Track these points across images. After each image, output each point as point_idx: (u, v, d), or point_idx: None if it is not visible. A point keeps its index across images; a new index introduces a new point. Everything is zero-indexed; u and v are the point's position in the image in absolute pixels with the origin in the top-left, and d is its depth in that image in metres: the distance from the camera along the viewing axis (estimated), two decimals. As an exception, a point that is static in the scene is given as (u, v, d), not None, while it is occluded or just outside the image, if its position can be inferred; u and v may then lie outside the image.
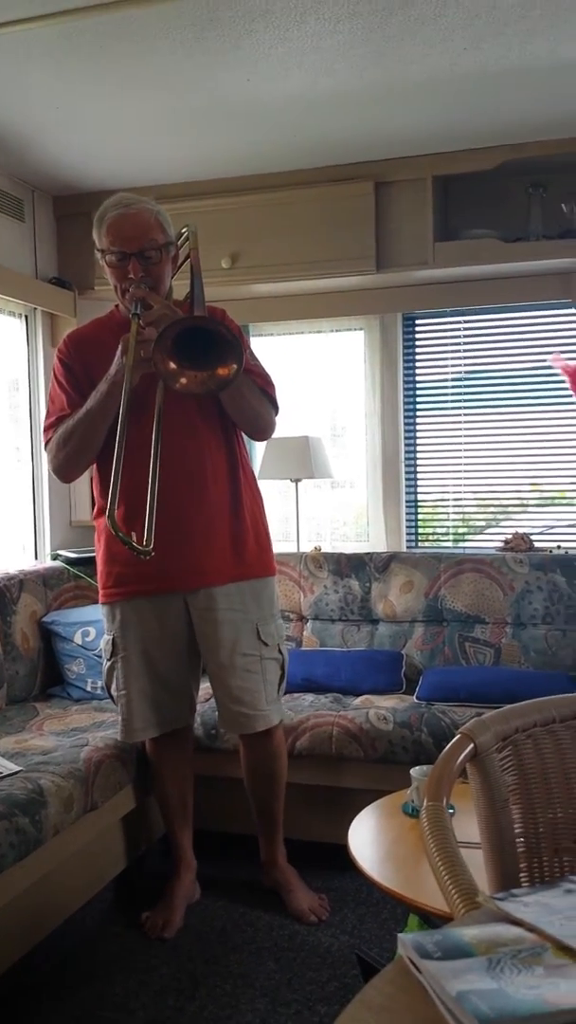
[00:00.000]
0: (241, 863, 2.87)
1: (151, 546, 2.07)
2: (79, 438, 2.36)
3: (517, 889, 1.03)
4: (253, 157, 3.37)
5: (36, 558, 3.72)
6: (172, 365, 2.08)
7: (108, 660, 2.53)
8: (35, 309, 3.66)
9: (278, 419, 2.52)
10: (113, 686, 2.53)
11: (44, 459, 3.69)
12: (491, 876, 1.25)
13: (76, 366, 2.44)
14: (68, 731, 2.75)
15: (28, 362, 3.70)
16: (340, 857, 2.16)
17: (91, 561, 3.58)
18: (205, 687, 2.65)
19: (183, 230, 2.42)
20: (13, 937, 2.16)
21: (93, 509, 2.56)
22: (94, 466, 2.46)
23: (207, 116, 3.02)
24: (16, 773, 2.30)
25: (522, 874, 1.26)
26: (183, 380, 2.10)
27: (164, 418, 2.22)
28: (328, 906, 2.63)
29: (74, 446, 2.37)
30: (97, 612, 3.35)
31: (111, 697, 2.59)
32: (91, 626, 3.30)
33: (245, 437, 2.56)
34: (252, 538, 2.49)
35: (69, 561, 3.58)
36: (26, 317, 3.67)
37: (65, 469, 2.44)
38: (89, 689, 3.21)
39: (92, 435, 2.35)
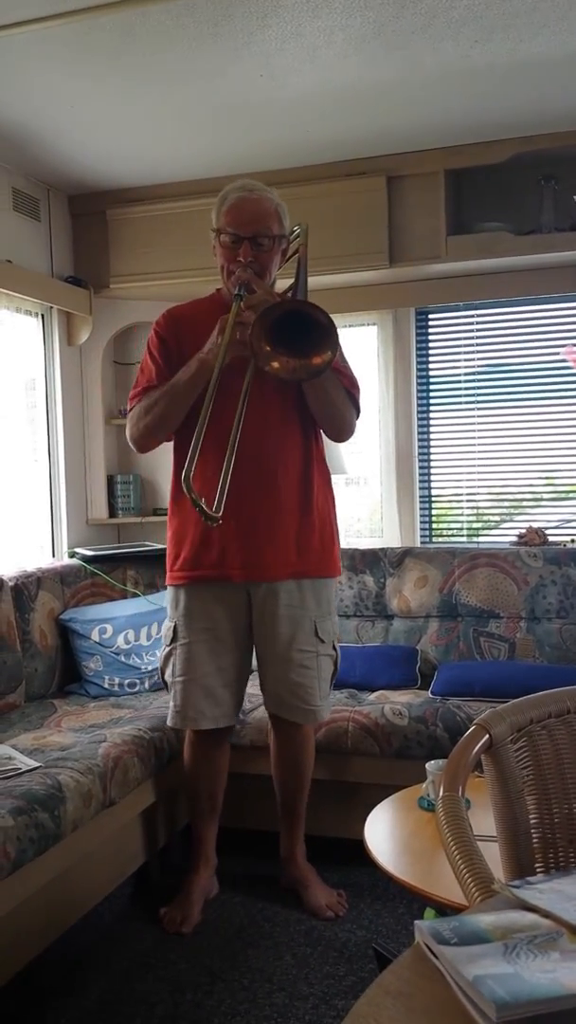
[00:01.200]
0: (259, 859, 2.88)
1: (220, 513, 2.10)
2: (161, 410, 2.40)
3: (532, 877, 1.03)
4: (266, 153, 3.38)
5: (53, 556, 3.74)
6: (267, 347, 2.11)
7: (167, 646, 2.54)
8: (51, 308, 3.68)
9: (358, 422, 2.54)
10: (168, 671, 2.54)
11: (61, 457, 3.73)
12: (507, 866, 1.25)
13: (170, 340, 2.48)
14: (86, 727, 2.77)
15: (44, 360, 3.72)
16: (356, 852, 2.17)
17: (108, 559, 3.63)
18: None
19: (296, 227, 2.46)
20: (32, 933, 2.18)
21: (172, 486, 2.57)
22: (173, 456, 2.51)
23: (221, 112, 3.03)
24: (35, 769, 2.32)
25: (537, 864, 1.26)
26: (275, 364, 2.13)
27: (246, 409, 2.24)
28: (345, 902, 2.64)
29: (155, 417, 2.42)
30: (113, 609, 3.39)
31: (164, 683, 2.59)
32: (108, 623, 3.32)
33: (325, 438, 2.57)
34: (317, 537, 2.50)
35: (86, 559, 3.59)
36: (42, 316, 3.69)
37: (143, 439, 2.49)
38: (106, 686, 3.23)
39: (174, 409, 2.39)
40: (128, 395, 2.56)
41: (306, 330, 2.10)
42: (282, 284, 2.51)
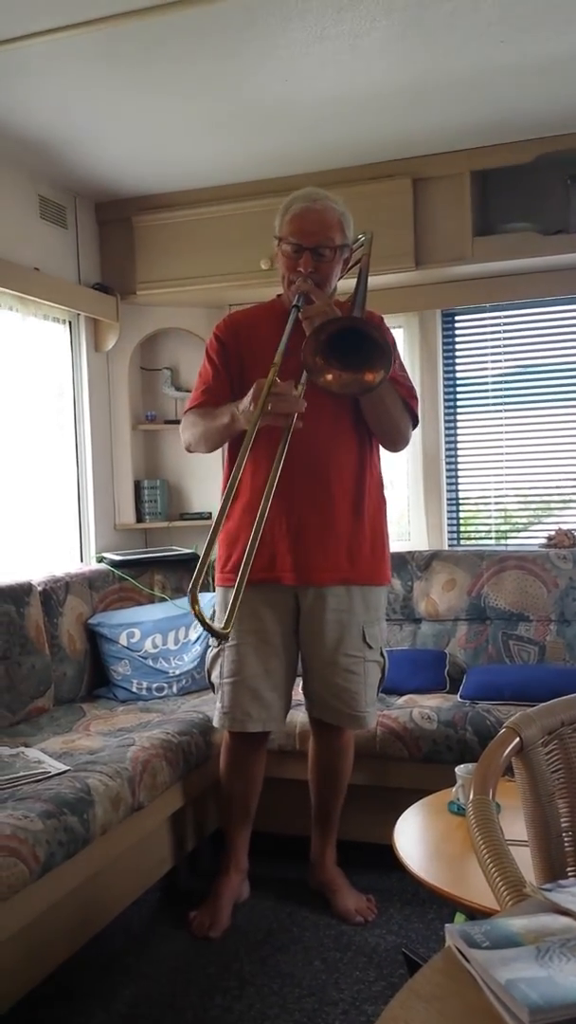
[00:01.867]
0: (288, 863, 2.87)
1: (230, 630, 2.11)
2: (199, 434, 2.44)
3: (564, 880, 1.02)
4: (292, 157, 3.38)
5: (82, 561, 3.76)
6: (320, 360, 2.11)
7: (215, 647, 2.54)
8: (79, 315, 3.71)
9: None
10: (215, 673, 2.54)
11: (89, 462, 3.75)
12: (539, 870, 1.24)
13: (230, 343, 2.51)
14: (115, 731, 2.78)
15: (72, 367, 3.75)
16: (385, 857, 2.15)
17: (136, 563, 3.64)
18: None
19: (360, 236, 2.47)
20: (62, 936, 2.18)
21: (222, 491, 2.57)
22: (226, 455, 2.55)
23: (246, 118, 3.04)
24: (64, 773, 2.33)
25: (569, 868, 1.25)
26: (328, 376, 2.13)
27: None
28: (375, 907, 2.63)
29: (195, 437, 2.46)
30: (141, 614, 3.40)
31: (211, 684, 2.59)
32: (136, 627, 3.33)
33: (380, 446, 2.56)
34: (368, 544, 2.49)
35: (114, 563, 3.61)
36: (70, 323, 3.72)
37: (190, 447, 2.52)
38: (135, 690, 3.24)
39: (209, 441, 2.44)
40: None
41: (361, 345, 2.10)
42: (344, 284, 2.50)
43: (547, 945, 0.83)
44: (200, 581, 2.00)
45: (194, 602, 1.98)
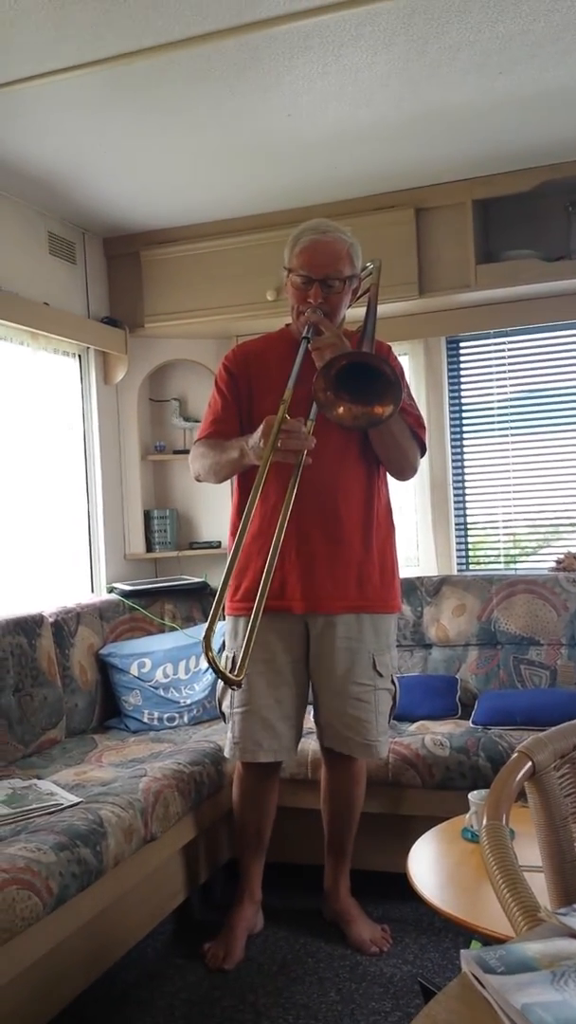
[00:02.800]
0: (302, 894, 2.85)
1: (242, 677, 2.12)
2: (208, 465, 2.47)
3: (580, 905, 1.02)
4: (296, 190, 3.43)
5: (92, 591, 3.78)
6: (331, 395, 2.13)
7: None
8: (88, 348, 3.75)
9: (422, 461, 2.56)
10: (226, 703, 2.54)
11: (99, 493, 3.77)
12: (553, 895, 1.23)
13: (239, 374, 2.53)
14: (127, 762, 2.77)
15: (82, 400, 3.78)
16: (399, 885, 2.14)
17: (146, 593, 3.65)
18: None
19: (368, 264, 2.50)
20: (76, 969, 2.17)
21: (232, 518, 2.57)
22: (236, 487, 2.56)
23: (250, 153, 3.08)
24: (76, 804, 2.33)
25: (586, 894, 1.24)
26: (340, 410, 2.15)
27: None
28: (389, 937, 2.60)
29: (204, 468, 2.49)
30: (152, 644, 3.41)
31: (222, 715, 2.60)
32: (147, 657, 3.33)
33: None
34: (377, 572, 2.50)
35: (124, 594, 3.62)
36: (79, 356, 3.76)
37: (198, 478, 2.55)
38: (146, 720, 3.23)
39: (219, 473, 2.47)
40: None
41: (371, 378, 2.12)
42: (353, 313, 2.53)
43: (563, 969, 0.83)
44: (215, 624, 2.01)
45: (207, 649, 1.99)
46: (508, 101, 2.79)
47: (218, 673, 2.04)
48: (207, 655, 2.00)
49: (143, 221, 3.71)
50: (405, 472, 2.52)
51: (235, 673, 2.10)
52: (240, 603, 2.50)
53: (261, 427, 2.21)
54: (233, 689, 2.39)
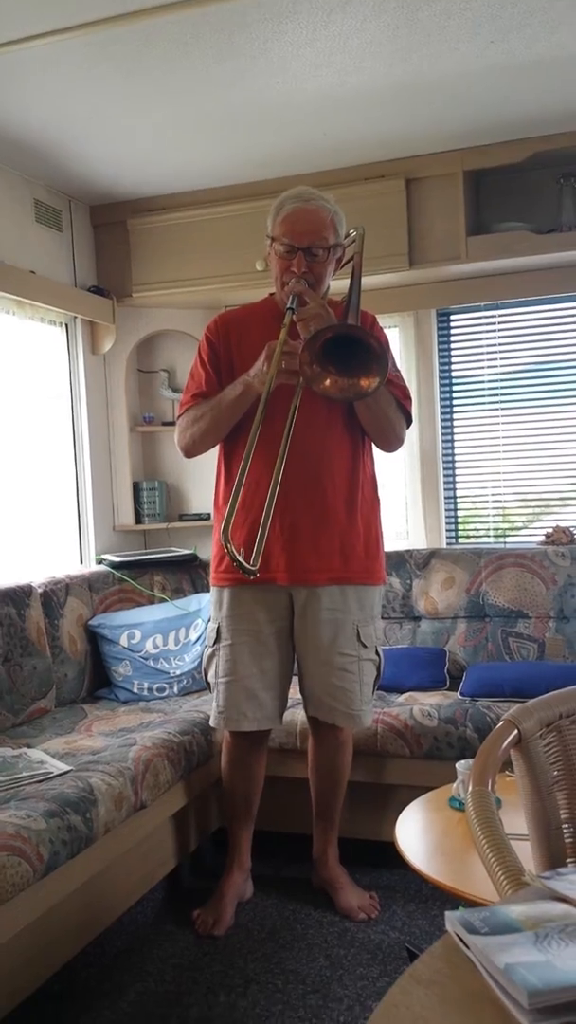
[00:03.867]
0: (291, 862, 2.88)
1: (257, 566, 2.12)
2: (206, 424, 2.44)
3: (563, 868, 1.03)
4: (284, 158, 3.40)
5: (81, 562, 3.77)
6: (317, 368, 2.12)
7: (210, 646, 2.56)
8: (75, 318, 3.72)
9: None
10: (211, 672, 2.56)
11: (88, 465, 3.76)
12: (538, 861, 1.25)
13: (220, 345, 2.51)
14: (116, 731, 2.79)
15: (70, 369, 3.76)
16: (387, 854, 2.17)
17: (135, 565, 3.65)
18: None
19: (352, 231, 2.47)
20: (67, 935, 2.19)
21: (216, 487, 2.58)
22: (220, 450, 2.54)
23: (239, 120, 3.05)
24: (66, 773, 2.34)
25: (569, 860, 1.26)
26: (327, 382, 2.14)
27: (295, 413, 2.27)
28: (377, 903, 2.64)
29: (200, 429, 2.46)
30: (141, 615, 3.41)
31: (207, 684, 2.62)
32: (136, 628, 3.34)
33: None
34: (362, 544, 2.50)
35: (114, 565, 3.62)
36: (66, 326, 3.73)
37: (189, 448, 2.52)
38: (135, 691, 3.25)
39: (218, 424, 2.43)
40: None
41: (357, 351, 2.11)
42: (337, 285, 2.52)
43: (546, 931, 0.85)
44: (231, 516, 2.13)
45: (227, 540, 2.07)
46: (499, 70, 2.76)
47: (237, 563, 2.08)
48: (227, 547, 2.06)
49: (131, 189, 3.67)
50: (391, 443, 2.52)
51: (252, 563, 2.12)
52: (224, 574, 2.51)
53: (263, 352, 2.24)
54: (250, 576, 2.25)
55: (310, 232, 2.34)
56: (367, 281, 3.57)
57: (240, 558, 2.07)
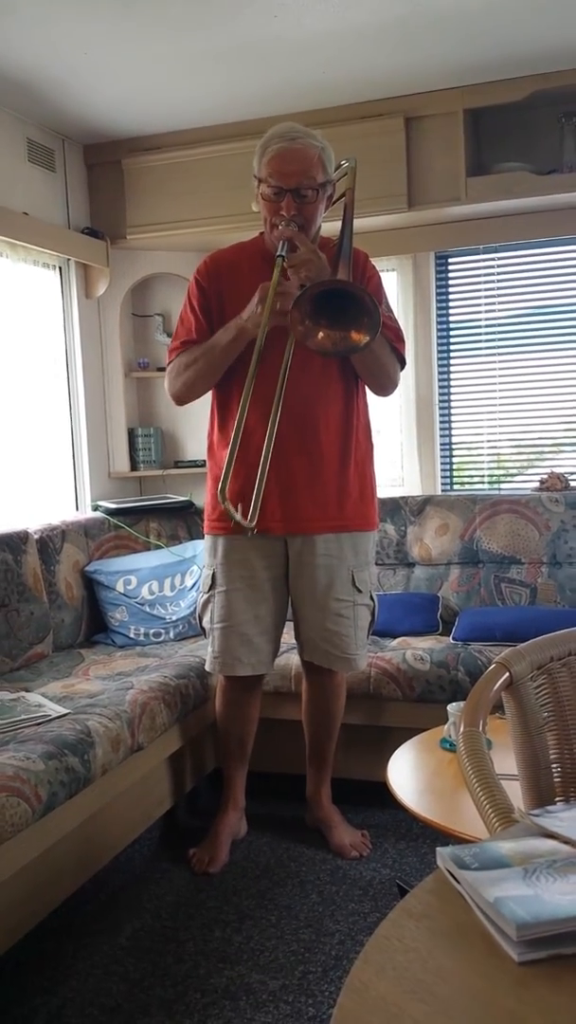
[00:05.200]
0: (285, 802, 2.93)
1: (255, 523, 2.12)
2: (198, 370, 2.41)
3: (552, 806, 1.05)
4: (282, 96, 3.32)
5: (77, 509, 3.77)
6: (309, 323, 2.09)
7: (205, 593, 2.57)
8: (68, 260, 3.66)
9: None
10: (207, 618, 2.58)
11: (82, 411, 3.74)
12: (527, 800, 1.27)
13: (210, 290, 2.46)
14: (113, 675, 2.82)
15: (63, 313, 3.71)
16: (379, 794, 2.21)
17: (131, 511, 3.66)
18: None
19: (343, 162, 2.40)
20: (64, 874, 2.24)
21: (209, 434, 2.57)
22: (212, 394, 2.52)
23: (235, 56, 2.97)
24: (64, 716, 2.37)
25: (558, 798, 1.28)
26: (319, 336, 2.12)
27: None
28: (369, 842, 2.69)
29: (192, 376, 2.43)
30: (137, 561, 3.43)
31: (202, 630, 2.64)
32: (132, 575, 3.36)
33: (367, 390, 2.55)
34: (356, 491, 2.50)
35: (109, 512, 3.62)
36: (60, 268, 3.68)
37: (181, 395, 2.49)
38: (132, 636, 3.27)
39: (211, 370, 2.40)
40: (161, 345, 2.57)
41: (350, 301, 2.08)
42: (329, 227, 2.46)
43: (534, 866, 0.86)
44: (229, 471, 2.19)
45: (224, 499, 2.14)
46: (500, 5, 2.68)
47: (235, 520, 2.12)
48: (224, 506, 2.13)
49: (125, 128, 3.59)
50: (386, 388, 2.50)
51: (248, 520, 2.16)
52: (218, 523, 2.52)
53: (257, 293, 2.22)
54: (248, 535, 2.34)
55: (297, 172, 2.27)
56: (365, 223, 3.52)
57: (238, 516, 2.08)
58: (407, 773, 2.14)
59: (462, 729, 1.21)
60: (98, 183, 3.80)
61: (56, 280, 3.68)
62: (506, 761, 1.37)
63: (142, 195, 3.71)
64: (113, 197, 3.77)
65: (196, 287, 2.49)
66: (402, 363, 2.49)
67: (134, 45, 2.87)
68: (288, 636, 2.66)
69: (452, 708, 2.26)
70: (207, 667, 2.61)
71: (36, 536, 3.13)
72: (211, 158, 3.57)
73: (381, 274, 2.56)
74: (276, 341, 2.25)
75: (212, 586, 2.55)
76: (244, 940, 2.25)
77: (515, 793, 1.23)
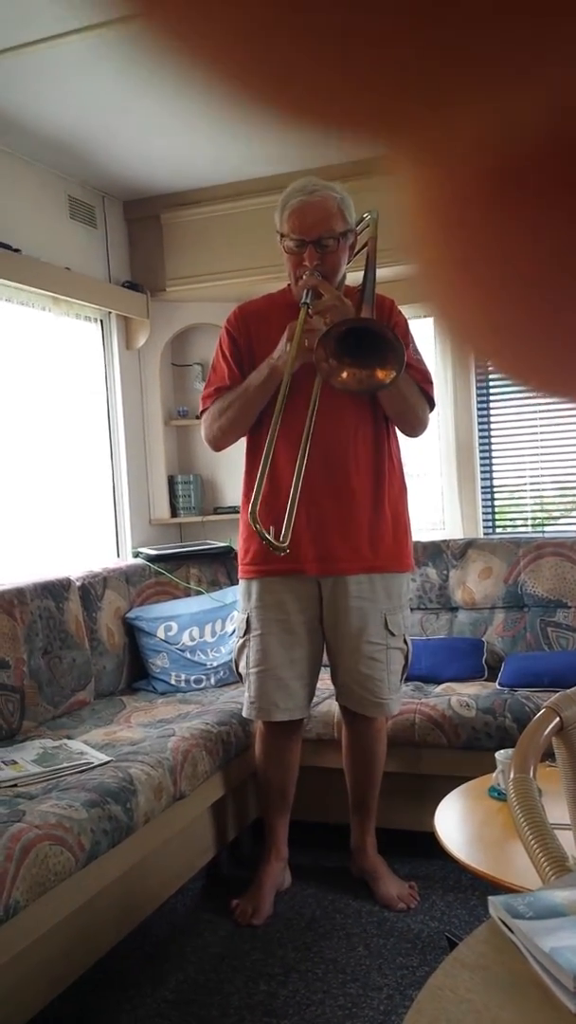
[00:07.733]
0: (330, 852, 2.88)
1: (287, 543, 2.12)
2: (234, 413, 2.45)
3: (608, 854, 1.02)
4: (313, 150, 3.38)
5: (118, 556, 3.80)
6: (334, 362, 2.12)
7: (240, 638, 2.57)
8: (109, 313, 3.74)
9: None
10: (242, 663, 2.57)
11: (123, 459, 3.78)
12: (581, 848, 1.24)
13: (241, 339, 2.51)
14: (155, 722, 2.81)
15: (104, 365, 3.78)
16: (426, 844, 2.16)
17: (171, 558, 3.67)
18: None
19: (364, 215, 2.44)
20: (108, 924, 2.21)
21: (244, 481, 2.58)
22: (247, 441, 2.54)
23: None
24: (106, 763, 2.36)
25: (613, 846, 1.25)
26: (344, 375, 2.13)
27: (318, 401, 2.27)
28: (417, 893, 2.63)
29: (228, 419, 2.46)
30: (178, 607, 3.43)
31: (239, 675, 2.63)
32: (173, 621, 3.36)
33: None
34: (390, 532, 2.50)
35: (150, 558, 3.64)
36: (101, 321, 3.75)
37: (217, 440, 2.53)
38: (173, 682, 3.27)
39: (247, 412, 2.44)
40: (200, 394, 2.61)
41: (373, 341, 2.10)
42: (353, 277, 2.49)
43: (590, 915, 0.84)
44: (259, 495, 2.15)
45: (256, 521, 2.10)
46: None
47: (265, 540, 2.10)
48: (255, 527, 2.09)
49: (163, 183, 3.68)
50: (414, 428, 2.50)
51: (280, 540, 2.14)
52: (250, 567, 2.52)
53: (285, 333, 2.26)
54: (279, 554, 2.26)
55: (318, 224, 2.31)
56: (397, 271, 3.55)
57: (269, 536, 2.08)
58: (455, 823, 2.09)
59: (512, 776, 1.18)
60: (138, 237, 3.89)
61: (97, 332, 3.75)
62: (557, 809, 1.34)
63: (180, 248, 3.79)
64: (152, 251, 3.85)
65: (227, 336, 2.53)
66: (431, 404, 2.50)
67: (171, 103, 2.94)
68: (326, 682, 2.64)
69: (500, 756, 2.21)
70: (244, 713, 2.60)
71: (78, 583, 3.16)
72: (246, 211, 3.64)
73: (416, 320, 2.58)
74: (304, 381, 2.27)
75: (247, 631, 2.54)
76: (290, 994, 2.20)
77: (568, 841, 1.20)
